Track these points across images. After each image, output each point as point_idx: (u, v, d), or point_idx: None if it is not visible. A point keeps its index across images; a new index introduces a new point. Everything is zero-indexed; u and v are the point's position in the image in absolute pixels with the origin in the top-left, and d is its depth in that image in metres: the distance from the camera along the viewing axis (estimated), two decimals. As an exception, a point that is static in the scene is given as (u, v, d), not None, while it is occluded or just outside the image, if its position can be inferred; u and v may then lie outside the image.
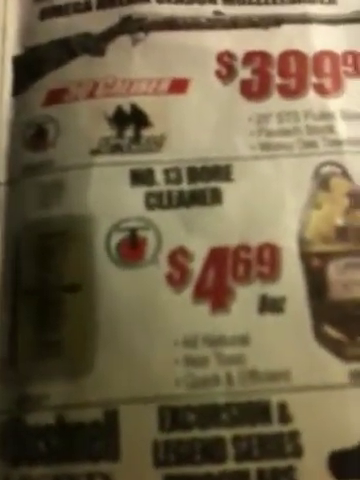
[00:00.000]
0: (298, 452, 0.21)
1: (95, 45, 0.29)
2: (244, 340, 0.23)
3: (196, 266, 0.24)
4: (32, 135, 0.27)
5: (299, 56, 0.28)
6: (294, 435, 0.21)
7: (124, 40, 0.29)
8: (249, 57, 0.28)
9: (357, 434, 0.21)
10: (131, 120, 0.27)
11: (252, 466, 0.21)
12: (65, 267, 0.24)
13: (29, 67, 0.29)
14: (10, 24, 0.30)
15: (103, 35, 0.29)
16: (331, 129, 0.27)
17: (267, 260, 0.24)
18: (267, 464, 0.21)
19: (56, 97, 0.28)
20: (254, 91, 0.28)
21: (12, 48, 0.30)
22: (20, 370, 0.23)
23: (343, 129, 0.27)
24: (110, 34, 0.29)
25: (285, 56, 0.28)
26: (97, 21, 0.29)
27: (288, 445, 0.21)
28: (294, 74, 0.28)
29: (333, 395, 0.22)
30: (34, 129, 0.27)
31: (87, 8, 0.30)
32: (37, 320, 0.24)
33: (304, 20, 0.29)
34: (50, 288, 0.24)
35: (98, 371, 0.23)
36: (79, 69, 0.28)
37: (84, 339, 0.23)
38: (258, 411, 0.22)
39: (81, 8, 0.30)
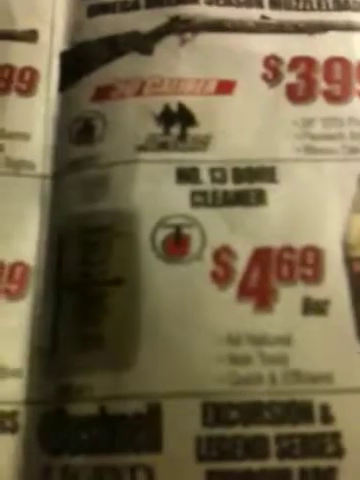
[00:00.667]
0: (340, 453, 0.21)
1: (143, 44, 0.29)
2: (287, 340, 0.23)
3: (240, 265, 0.24)
4: (79, 130, 0.28)
5: (344, 63, 0.29)
6: (336, 436, 0.22)
7: (172, 40, 0.29)
8: (295, 62, 0.29)
9: None
10: (178, 119, 0.27)
11: (294, 464, 0.21)
12: (109, 261, 0.25)
13: (76, 63, 0.30)
14: (58, 20, 0.31)
15: (151, 34, 0.29)
16: (375, 136, 0.27)
17: (310, 263, 0.24)
18: (309, 463, 0.21)
19: (103, 94, 0.28)
20: (299, 95, 0.28)
21: (60, 44, 0.30)
22: (62, 361, 0.24)
23: (386, 136, 0.27)
24: (158, 33, 0.29)
25: (330, 62, 0.29)
26: (145, 20, 0.30)
27: (330, 445, 0.21)
28: (339, 80, 0.28)
29: (374, 398, 0.22)
30: (81, 124, 0.28)
31: (135, 7, 0.30)
32: (80, 313, 0.24)
33: (349, 27, 0.30)
34: (93, 282, 0.25)
35: (141, 365, 0.23)
36: (126, 67, 0.29)
37: (127, 333, 0.23)
38: (300, 411, 0.22)
39: (129, 6, 0.30)
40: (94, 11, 0.31)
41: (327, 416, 0.22)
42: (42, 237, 0.26)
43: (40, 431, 0.23)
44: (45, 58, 0.30)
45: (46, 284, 0.25)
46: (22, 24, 0.30)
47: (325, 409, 0.22)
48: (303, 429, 0.22)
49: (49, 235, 0.26)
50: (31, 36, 0.30)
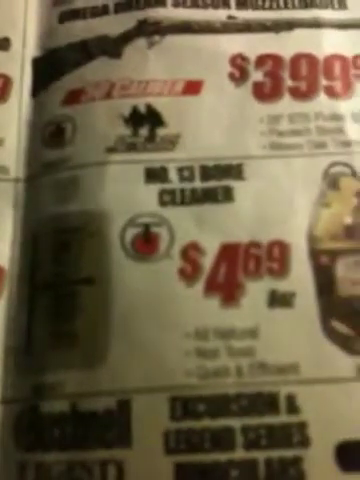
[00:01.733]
0: (305, 443, 0.22)
1: (112, 47, 0.30)
2: (254, 333, 0.23)
3: (208, 261, 0.25)
4: (50, 134, 0.28)
5: (310, 59, 0.29)
6: (302, 426, 0.22)
7: (140, 43, 0.30)
8: (261, 60, 0.29)
9: (363, 426, 0.22)
10: (146, 120, 0.28)
11: (260, 455, 0.22)
12: (80, 261, 0.25)
13: (48, 68, 0.30)
14: (30, 27, 0.31)
15: (120, 38, 0.30)
16: (341, 130, 0.27)
17: (277, 257, 0.25)
18: (275, 453, 0.22)
19: (74, 97, 0.29)
20: (266, 93, 0.28)
21: (32, 50, 0.31)
22: (36, 360, 0.24)
23: (353, 130, 0.27)
24: (127, 37, 0.30)
25: (296, 59, 0.29)
26: (114, 24, 0.30)
27: (296, 436, 0.22)
28: (305, 77, 0.29)
29: (340, 388, 0.22)
30: (53, 128, 0.28)
31: (105, 12, 0.31)
32: (52, 312, 0.25)
33: (315, 24, 0.30)
34: (66, 282, 0.25)
35: (111, 362, 0.23)
36: (96, 70, 0.29)
37: (98, 330, 0.24)
38: (267, 402, 0.22)
39: (99, 12, 0.31)
40: (65, 17, 0.31)
41: (293, 407, 0.22)
42: (16, 239, 0.27)
43: (15, 429, 0.23)
44: (17, 65, 0.30)
45: (20, 285, 0.26)
46: (-5, 32, 0.31)
47: (291, 400, 0.22)
48: (269, 420, 0.22)
49: (23, 237, 0.26)
50: (3, 44, 0.31)
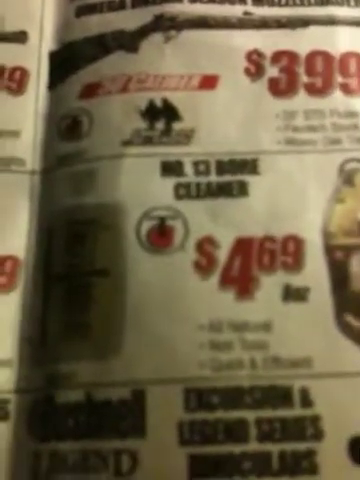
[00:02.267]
0: (319, 436, 0.22)
1: (129, 42, 0.30)
2: (267, 327, 0.23)
3: (222, 254, 0.25)
4: (67, 127, 0.28)
5: (326, 56, 0.29)
6: (315, 419, 0.22)
7: (157, 37, 0.30)
8: (277, 56, 0.29)
9: (376, 421, 0.22)
10: (162, 114, 0.28)
11: (274, 448, 0.22)
12: (95, 253, 0.25)
13: (65, 62, 0.30)
14: (47, 21, 0.31)
15: (137, 32, 0.30)
16: (356, 127, 0.27)
17: (291, 251, 0.25)
18: (288, 446, 0.22)
19: (90, 91, 0.29)
20: (281, 89, 0.28)
21: (49, 44, 0.31)
22: (50, 350, 0.24)
23: (368, 127, 0.27)
24: (143, 31, 0.30)
25: (312, 56, 0.29)
26: (131, 19, 0.30)
27: (309, 429, 0.22)
28: (320, 73, 0.29)
29: (354, 383, 0.22)
30: (69, 121, 0.28)
31: (121, 6, 0.31)
32: (67, 303, 0.25)
33: (331, 22, 0.30)
34: (80, 273, 0.25)
35: (125, 352, 0.23)
36: (113, 65, 0.29)
37: (112, 321, 0.24)
38: (280, 395, 0.22)
39: (116, 6, 0.31)
40: (82, 11, 0.31)
41: (306, 400, 0.22)
42: (32, 231, 0.27)
43: (29, 418, 0.23)
44: (34, 58, 0.30)
45: (35, 276, 0.26)
46: (12, 26, 0.31)
47: (304, 393, 0.22)
48: (283, 413, 0.22)
49: (38, 229, 0.27)
50: (21, 37, 0.31)
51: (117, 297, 0.24)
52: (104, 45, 0.30)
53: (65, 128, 0.28)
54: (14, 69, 0.30)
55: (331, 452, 0.22)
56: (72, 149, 0.28)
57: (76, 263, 0.25)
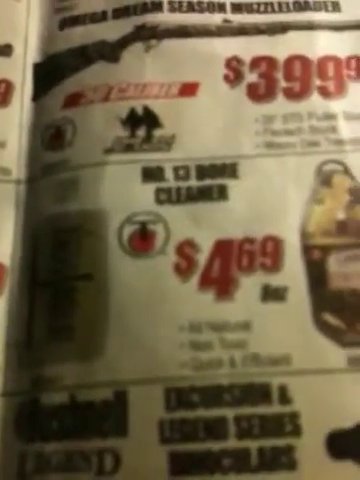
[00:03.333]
0: (297, 432, 0.22)
1: (110, 52, 0.31)
2: (247, 326, 0.24)
3: (202, 257, 0.25)
4: (51, 136, 0.29)
5: (304, 61, 0.30)
6: (294, 416, 0.22)
7: (137, 47, 0.31)
8: (256, 62, 0.30)
9: (354, 416, 0.22)
10: (143, 121, 0.29)
11: (253, 444, 0.22)
12: (79, 258, 0.26)
13: (49, 73, 0.31)
14: (32, 34, 0.32)
15: (118, 43, 0.31)
16: (334, 129, 0.28)
17: (270, 252, 0.25)
18: (267, 442, 0.22)
19: (73, 101, 0.30)
20: (260, 94, 0.29)
21: (33, 56, 0.32)
22: (35, 353, 0.25)
23: (345, 129, 0.28)
24: (124, 42, 0.31)
25: (290, 61, 0.30)
26: (113, 30, 0.31)
27: (288, 425, 0.22)
28: (298, 77, 0.29)
29: (331, 379, 0.23)
30: (53, 131, 0.29)
31: (103, 18, 0.32)
32: (51, 307, 0.25)
33: (309, 27, 0.31)
34: (64, 278, 0.26)
35: (108, 354, 0.24)
36: (95, 75, 0.30)
37: (95, 324, 0.25)
38: (259, 392, 0.23)
39: (98, 18, 0.32)
40: (65, 24, 0.32)
41: (285, 397, 0.23)
42: (17, 238, 0.27)
43: (16, 420, 0.24)
44: (19, 70, 0.31)
45: (21, 281, 0.26)
46: (-2, 39, 0.32)
47: (283, 390, 0.23)
48: (262, 410, 0.23)
49: (24, 236, 0.27)
50: (6, 51, 0.32)
51: (100, 300, 0.25)
52: (86, 56, 0.31)
53: (49, 138, 0.29)
54: (-1, 82, 0.31)
55: (309, 448, 0.22)
56: (56, 158, 0.28)
57: (60, 269, 0.26)
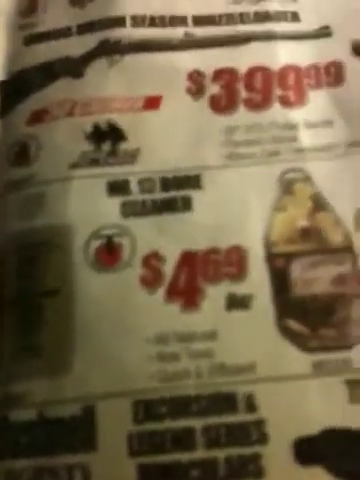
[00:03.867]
0: (263, 439, 0.22)
1: (75, 68, 0.31)
2: (213, 335, 0.24)
3: (168, 268, 0.26)
4: (16, 153, 0.29)
5: (265, 71, 0.30)
6: (259, 423, 0.23)
7: (101, 62, 0.31)
8: (217, 74, 0.30)
9: (319, 422, 0.23)
10: (108, 135, 0.29)
11: (220, 454, 0.22)
12: (46, 274, 0.26)
13: (15, 90, 0.31)
14: (-2, 52, 0.32)
15: (82, 58, 0.31)
16: (294, 138, 0.28)
17: (235, 261, 0.26)
18: (234, 451, 0.22)
19: (38, 117, 0.30)
20: (222, 105, 0.29)
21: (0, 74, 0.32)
22: (4, 371, 0.25)
23: (306, 138, 0.28)
24: (88, 57, 0.31)
25: (251, 72, 0.30)
26: (77, 45, 0.31)
27: (254, 433, 0.22)
28: (260, 88, 0.30)
29: (296, 385, 0.23)
30: (18, 147, 0.29)
31: (68, 34, 0.32)
32: (19, 326, 0.25)
33: (270, 37, 0.31)
34: (31, 295, 0.26)
35: (76, 370, 0.24)
36: (59, 90, 0.30)
37: (63, 341, 0.25)
38: (225, 402, 0.23)
39: (62, 33, 0.32)
40: (31, 40, 0.32)
41: (251, 405, 0.23)
42: (-16, 256, 0.27)
43: (-15, 439, 0.24)
44: (-14, 89, 0.31)
45: (-11, 300, 0.26)
46: None
47: (249, 398, 0.23)
48: (228, 419, 0.23)
49: (-9, 254, 0.27)
50: (-29, 69, 0.32)
51: (67, 316, 0.25)
52: (51, 72, 0.31)
53: (14, 154, 0.29)
54: (-35, 100, 0.31)
55: (276, 455, 0.22)
56: (21, 174, 0.29)
57: (27, 286, 0.26)
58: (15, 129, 0.30)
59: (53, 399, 0.24)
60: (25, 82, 0.31)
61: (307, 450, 0.22)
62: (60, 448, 0.23)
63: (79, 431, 0.23)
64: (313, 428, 0.22)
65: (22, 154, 0.29)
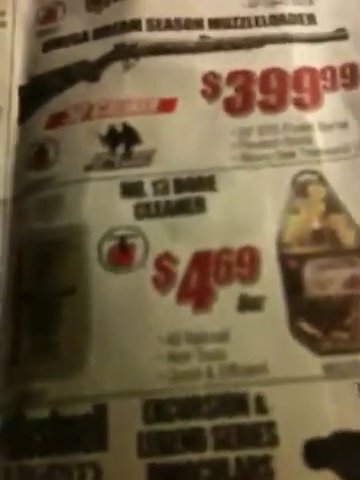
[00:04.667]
0: (274, 441, 0.22)
1: (91, 72, 0.31)
2: (224, 337, 0.24)
3: (180, 269, 0.26)
4: (35, 156, 0.30)
5: (280, 73, 0.30)
6: (270, 425, 0.23)
7: (117, 66, 0.31)
8: (232, 76, 0.30)
9: (330, 424, 0.22)
10: (123, 138, 0.29)
11: (230, 454, 0.22)
12: (61, 273, 0.26)
13: (34, 95, 0.32)
14: (17, 58, 0.33)
15: (98, 62, 0.32)
16: (309, 140, 0.28)
17: (247, 262, 0.26)
18: (244, 452, 0.22)
19: (56, 121, 0.30)
20: (237, 107, 0.30)
21: (18, 79, 0.32)
22: (21, 370, 0.25)
23: (320, 139, 0.28)
24: (105, 61, 0.32)
25: (266, 74, 0.30)
26: (93, 50, 0.32)
27: (265, 435, 0.22)
28: (274, 90, 0.30)
29: (307, 387, 0.23)
30: (36, 150, 0.30)
31: (85, 39, 0.33)
32: (36, 324, 0.26)
33: (285, 40, 0.31)
34: (48, 294, 0.26)
35: (90, 369, 0.24)
36: (77, 94, 0.31)
37: (78, 340, 0.25)
38: (236, 403, 0.23)
39: (79, 39, 0.33)
40: (49, 46, 0.33)
41: (262, 407, 0.23)
42: (3, 256, 0.28)
43: (1, 436, 0.24)
44: (6, 94, 0.32)
45: (8, 299, 0.27)
46: (-16, 65, 0.33)
47: (260, 400, 0.23)
48: (239, 420, 0.23)
49: (10, 253, 0.28)
50: (-8, 76, 0.33)
51: (83, 315, 0.25)
52: (69, 76, 0.32)
53: (34, 158, 0.30)
54: (-14, 106, 0.32)
55: (286, 457, 0.22)
56: (40, 177, 0.29)
57: (44, 284, 0.27)
58: (34, 132, 0.30)
59: (67, 397, 0.24)
60: (44, 87, 0.32)
61: (317, 453, 0.22)
62: (73, 446, 0.23)
63: (91, 430, 0.23)
64: (324, 431, 0.22)
65: (41, 157, 0.30)
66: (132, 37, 0.32)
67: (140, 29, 0.32)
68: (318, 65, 0.31)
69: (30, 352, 0.25)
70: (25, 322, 0.26)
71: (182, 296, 0.25)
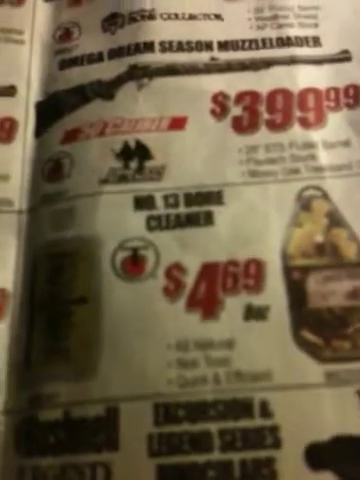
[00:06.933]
0: (277, 444, 0.23)
1: (106, 90, 0.33)
2: (230, 344, 0.25)
3: (189, 279, 0.27)
4: (50, 169, 0.31)
5: (285, 93, 0.32)
6: (274, 429, 0.24)
7: (131, 85, 0.33)
8: (240, 96, 0.32)
9: (331, 428, 0.23)
10: (135, 154, 0.31)
11: (235, 456, 0.23)
12: (74, 282, 0.28)
13: (49, 111, 0.33)
14: (34, 75, 0.35)
15: (113, 82, 0.33)
16: (313, 157, 0.30)
17: (253, 274, 0.27)
18: (249, 455, 0.23)
19: (71, 136, 0.32)
20: (244, 126, 0.31)
21: (35, 95, 0.34)
22: (34, 374, 0.26)
23: (324, 157, 0.30)
24: (119, 81, 0.33)
25: (273, 94, 0.32)
26: (108, 69, 0.34)
27: (268, 438, 0.24)
28: (280, 110, 0.31)
29: (310, 393, 0.24)
30: (52, 164, 0.31)
31: (100, 59, 0.34)
32: (49, 330, 0.27)
33: (291, 61, 0.33)
34: (61, 302, 0.28)
35: (101, 373, 0.25)
36: (92, 112, 0.32)
37: (90, 345, 0.26)
38: (242, 407, 0.24)
39: (94, 58, 0.34)
40: (65, 64, 0.35)
41: (266, 411, 0.24)
42: (19, 264, 0.29)
43: (15, 437, 0.25)
44: (23, 109, 0.34)
45: (22, 306, 0.28)
46: (2, 81, 0.34)
47: (264, 405, 0.24)
48: (244, 424, 0.24)
49: (25, 262, 0.29)
50: (10, 91, 0.34)
51: (94, 323, 0.27)
52: (84, 94, 0.33)
53: (48, 170, 0.31)
54: (4, 120, 0.33)
55: (289, 459, 0.23)
56: (55, 189, 0.31)
57: (57, 292, 0.28)
58: (49, 147, 0.32)
59: (79, 400, 0.25)
60: (59, 103, 0.33)
61: (318, 456, 0.23)
62: (84, 447, 0.24)
63: (102, 431, 0.24)
64: (325, 435, 0.23)
65: (56, 170, 0.31)
66: (145, 58, 0.33)
67: (153, 51, 0.34)
68: (322, 86, 0.32)
69: (43, 357, 0.27)
70: (38, 328, 0.27)
71: (191, 305, 0.26)
